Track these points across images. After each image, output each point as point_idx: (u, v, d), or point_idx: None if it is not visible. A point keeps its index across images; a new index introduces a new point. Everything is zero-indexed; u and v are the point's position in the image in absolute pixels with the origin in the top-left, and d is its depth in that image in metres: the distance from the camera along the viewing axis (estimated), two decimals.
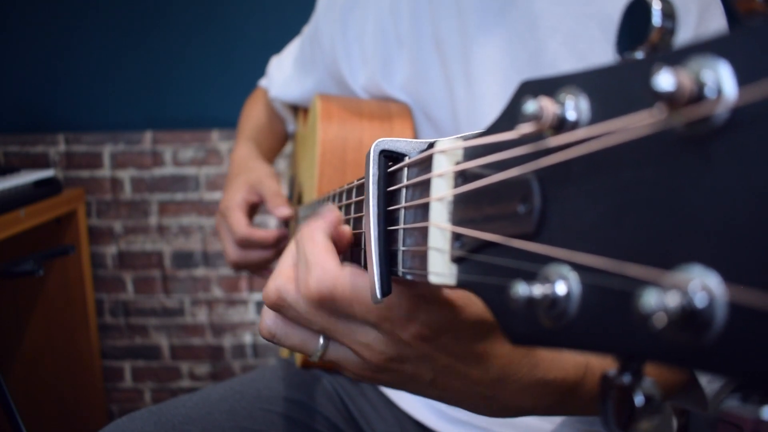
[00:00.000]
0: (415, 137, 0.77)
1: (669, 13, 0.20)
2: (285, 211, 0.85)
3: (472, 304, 0.36)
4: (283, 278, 0.38)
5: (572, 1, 0.61)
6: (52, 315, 1.86)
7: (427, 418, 0.74)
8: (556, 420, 0.69)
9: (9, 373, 1.87)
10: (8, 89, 2.01)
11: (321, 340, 0.40)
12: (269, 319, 0.41)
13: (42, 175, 1.67)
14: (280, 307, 0.39)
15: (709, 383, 0.55)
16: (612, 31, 0.58)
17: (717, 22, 0.58)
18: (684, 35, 0.58)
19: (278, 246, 0.88)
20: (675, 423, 0.74)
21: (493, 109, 0.66)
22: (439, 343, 0.36)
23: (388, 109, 0.78)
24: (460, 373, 0.39)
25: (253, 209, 0.93)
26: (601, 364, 0.45)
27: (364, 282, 0.35)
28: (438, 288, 0.35)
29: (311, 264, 0.36)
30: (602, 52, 0.59)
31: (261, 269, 0.94)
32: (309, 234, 0.38)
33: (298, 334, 0.40)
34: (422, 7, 0.73)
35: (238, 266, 0.90)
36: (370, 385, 0.81)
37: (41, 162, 2.01)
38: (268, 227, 1.59)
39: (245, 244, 0.86)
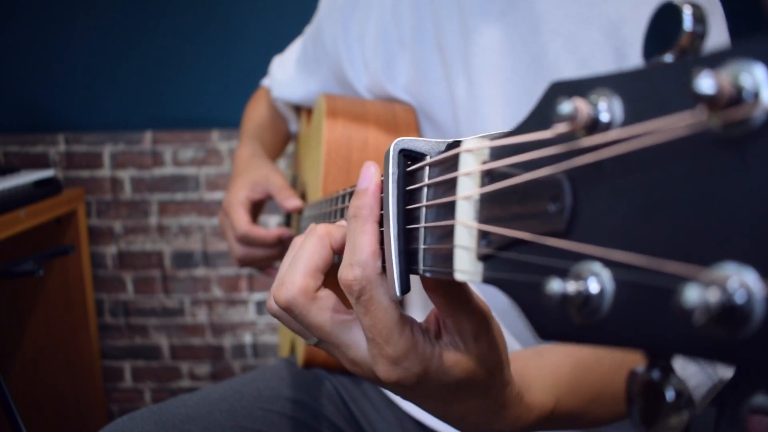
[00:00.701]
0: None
1: (700, 18, 0.20)
2: (295, 202, 0.85)
3: (462, 363, 0.37)
4: (295, 291, 0.39)
5: (574, 5, 0.61)
6: (52, 315, 1.86)
7: (428, 418, 0.74)
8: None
9: (9, 373, 1.87)
10: (8, 89, 2.00)
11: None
12: (273, 307, 0.42)
13: (42, 175, 1.67)
14: (287, 312, 0.40)
15: (696, 388, 0.56)
16: (613, 35, 0.58)
17: (718, 29, 0.59)
18: None
19: (280, 245, 0.89)
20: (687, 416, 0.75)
21: (493, 111, 0.66)
22: (414, 390, 0.38)
23: (393, 109, 0.79)
24: (439, 409, 0.41)
25: (258, 207, 0.93)
26: (571, 403, 0.48)
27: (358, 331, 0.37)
28: (432, 346, 0.36)
29: (354, 260, 0.37)
30: (603, 57, 0.59)
31: (266, 267, 0.94)
32: (361, 223, 0.38)
33: (297, 327, 0.42)
34: (424, 8, 0.73)
35: (243, 263, 0.90)
36: (371, 385, 0.81)
37: (41, 162, 2.00)
38: (269, 227, 1.59)
39: (246, 241, 0.86)
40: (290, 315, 0.40)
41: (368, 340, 0.38)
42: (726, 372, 0.60)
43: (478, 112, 0.67)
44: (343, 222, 0.43)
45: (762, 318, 0.16)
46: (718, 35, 0.58)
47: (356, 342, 0.39)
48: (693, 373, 0.57)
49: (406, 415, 0.77)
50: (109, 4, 1.96)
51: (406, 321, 0.37)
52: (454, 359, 0.37)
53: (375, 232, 0.37)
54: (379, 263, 0.36)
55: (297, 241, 0.43)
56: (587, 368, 0.51)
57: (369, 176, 0.38)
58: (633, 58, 0.57)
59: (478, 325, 0.37)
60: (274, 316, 0.43)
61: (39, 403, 1.88)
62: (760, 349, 0.17)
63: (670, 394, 0.21)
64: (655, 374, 0.22)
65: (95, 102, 2.00)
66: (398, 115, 0.78)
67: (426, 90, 0.74)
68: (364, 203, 0.37)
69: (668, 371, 0.22)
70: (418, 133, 0.77)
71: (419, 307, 0.73)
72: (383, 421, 0.78)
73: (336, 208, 0.57)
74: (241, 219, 0.86)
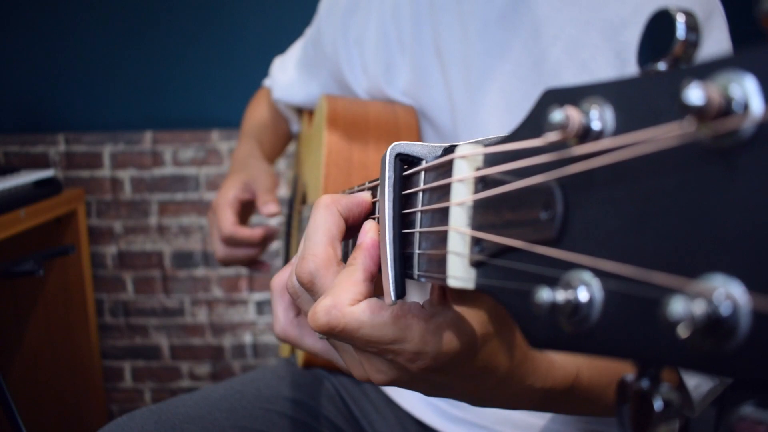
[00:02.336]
0: (421, 141, 0.77)
1: (693, 26, 0.20)
2: (271, 208, 0.86)
3: (470, 326, 0.37)
4: (318, 262, 0.38)
5: (574, 9, 0.60)
6: (52, 315, 1.86)
7: (428, 418, 0.74)
8: (557, 419, 0.69)
9: (9, 373, 1.87)
10: (8, 89, 2.01)
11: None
12: (292, 286, 0.42)
13: (42, 175, 1.67)
14: (309, 288, 0.39)
15: (696, 388, 0.56)
16: (614, 39, 0.58)
17: (719, 31, 0.58)
18: None
19: (265, 243, 0.89)
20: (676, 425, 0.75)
21: (493, 116, 0.66)
22: (441, 370, 0.37)
23: (394, 110, 0.79)
24: (458, 387, 0.40)
25: (248, 207, 0.93)
26: (590, 374, 0.48)
27: (372, 319, 0.34)
28: (442, 315, 0.35)
29: (330, 290, 0.36)
30: (604, 61, 0.59)
31: (251, 264, 0.94)
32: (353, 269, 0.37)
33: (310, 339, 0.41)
34: (423, 12, 0.73)
35: (226, 263, 0.91)
36: (371, 384, 0.81)
37: (41, 162, 2.01)
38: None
39: (231, 241, 0.86)
40: (312, 291, 0.39)
41: (377, 348, 0.36)
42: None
43: (477, 116, 0.67)
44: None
45: (748, 330, 0.16)
46: (719, 38, 0.58)
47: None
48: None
49: (406, 415, 0.77)
50: (109, 4, 1.96)
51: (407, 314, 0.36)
52: (475, 316, 0.37)
53: (359, 278, 0.36)
54: (353, 293, 0.35)
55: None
56: None
57: (364, 231, 0.38)
58: (634, 62, 0.57)
59: None
60: (294, 296, 0.42)
61: (39, 403, 1.89)
62: (747, 361, 0.17)
63: (658, 404, 0.21)
64: (645, 383, 0.22)
65: (95, 102, 2.00)
66: (399, 117, 0.78)
67: (425, 94, 0.74)
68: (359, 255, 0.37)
69: (658, 380, 0.22)
70: (419, 134, 0.77)
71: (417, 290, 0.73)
72: (383, 421, 0.78)
73: None
74: (227, 219, 0.86)
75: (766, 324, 0.16)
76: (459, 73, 0.69)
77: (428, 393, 0.41)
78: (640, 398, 0.22)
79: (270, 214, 0.86)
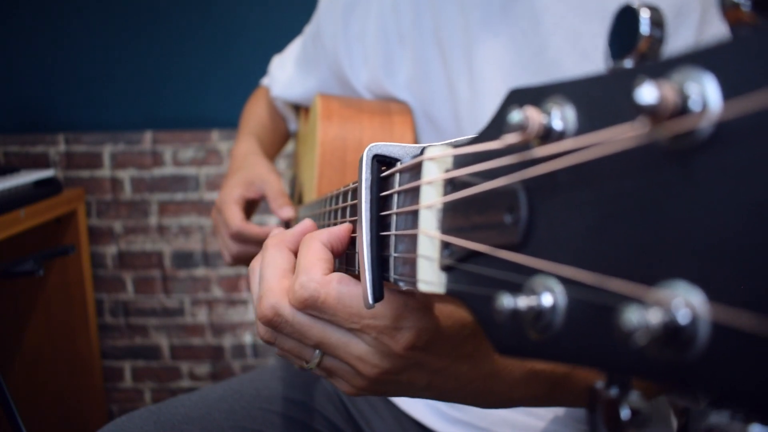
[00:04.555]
0: (416, 138, 0.76)
1: (658, 22, 0.19)
2: (289, 212, 0.85)
3: (457, 309, 0.36)
4: (276, 295, 0.38)
5: None
6: (52, 315, 1.86)
7: (426, 418, 0.74)
8: (556, 420, 0.69)
9: (9, 373, 1.87)
10: (8, 89, 2.01)
11: (317, 351, 0.40)
12: (264, 330, 0.41)
13: (42, 175, 1.67)
14: (276, 324, 0.39)
15: None
16: None
17: (719, 23, 0.58)
18: (686, 34, 0.57)
19: None
20: (675, 423, 0.74)
21: (494, 106, 0.65)
22: (429, 350, 0.37)
23: (389, 108, 0.78)
24: (454, 374, 0.40)
25: (252, 206, 0.93)
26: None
27: (349, 290, 0.35)
28: (425, 296, 0.35)
29: (299, 270, 0.37)
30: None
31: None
32: (308, 241, 0.39)
33: (294, 343, 0.40)
34: (424, 5, 0.73)
35: (235, 260, 0.90)
36: None
37: (41, 162, 2.01)
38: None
39: (239, 238, 0.86)
40: (281, 324, 0.38)
41: (357, 333, 0.37)
42: None
43: (480, 107, 0.67)
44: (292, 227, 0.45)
45: (707, 340, 0.16)
46: (717, 34, 0.57)
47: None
48: None
49: (404, 415, 0.76)
50: (109, 5, 1.96)
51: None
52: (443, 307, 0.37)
53: (318, 247, 0.38)
54: (323, 265, 0.37)
55: (255, 265, 0.43)
56: None
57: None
58: None
59: None
60: (268, 342, 0.42)
61: (39, 403, 1.89)
62: (708, 373, 0.16)
63: (625, 413, 0.20)
64: (613, 391, 0.21)
65: (95, 102, 2.00)
66: (394, 115, 0.77)
67: (426, 87, 0.74)
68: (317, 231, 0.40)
69: (627, 388, 0.22)
70: (414, 132, 0.76)
71: None
72: (382, 422, 0.77)
73: (330, 208, 0.56)
74: (234, 216, 0.85)
75: (727, 335, 0.16)
76: (460, 63, 0.69)
77: (428, 390, 0.41)
78: (609, 406, 0.21)
79: (287, 218, 0.85)
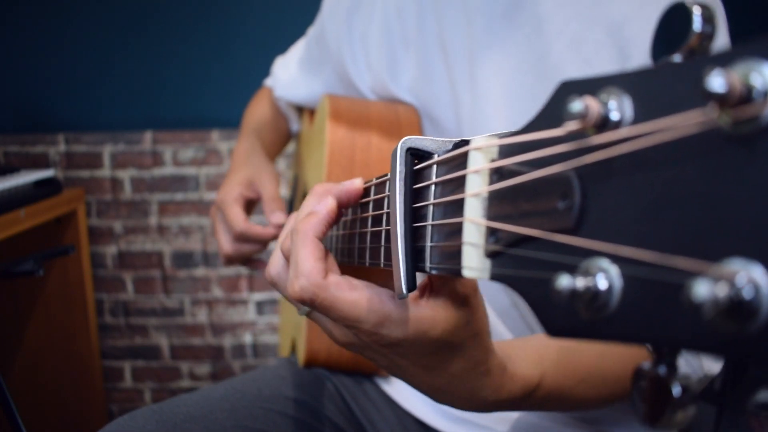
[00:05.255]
0: None
1: (709, 18, 0.21)
2: (279, 217, 0.86)
3: (436, 327, 0.38)
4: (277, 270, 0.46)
5: (578, 5, 0.61)
6: (52, 315, 1.85)
7: (429, 417, 0.75)
8: (558, 419, 0.70)
9: (9, 373, 1.87)
10: (8, 89, 2.00)
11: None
12: (274, 269, 0.47)
13: (42, 175, 1.67)
14: (275, 284, 0.47)
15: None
16: (617, 35, 0.59)
17: (721, 30, 0.59)
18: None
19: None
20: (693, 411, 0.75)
21: (496, 110, 0.66)
22: (396, 352, 0.40)
23: (396, 110, 0.79)
24: (418, 375, 0.42)
25: (251, 205, 0.93)
26: (555, 378, 0.49)
27: (344, 295, 0.38)
28: (405, 310, 0.38)
29: (298, 272, 0.39)
30: (607, 57, 0.59)
31: (250, 263, 0.94)
32: (302, 239, 0.41)
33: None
34: (428, 8, 0.74)
35: (231, 259, 0.90)
36: (372, 384, 0.81)
37: (41, 162, 2.00)
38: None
39: (242, 238, 0.86)
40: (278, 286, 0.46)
41: (346, 327, 0.40)
42: (712, 366, 0.60)
43: (481, 111, 0.67)
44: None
45: None
46: (719, 36, 0.59)
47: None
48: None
49: (407, 415, 0.77)
50: (109, 4, 1.96)
51: (373, 296, 0.38)
52: (441, 316, 0.38)
53: (315, 244, 0.40)
54: (320, 266, 0.39)
55: (285, 244, 0.45)
56: (574, 349, 0.52)
57: (325, 203, 0.42)
58: (636, 57, 0.58)
59: (470, 290, 0.39)
60: (272, 280, 0.47)
61: (39, 403, 1.88)
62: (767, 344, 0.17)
63: (676, 390, 0.21)
64: (662, 370, 0.22)
65: (95, 102, 2.00)
66: (401, 116, 0.78)
67: (429, 90, 0.75)
68: (310, 222, 0.41)
69: (675, 367, 0.23)
70: (421, 133, 0.78)
71: None
72: (384, 421, 0.78)
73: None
74: (237, 216, 0.86)
75: None
76: (463, 68, 0.70)
77: (389, 370, 0.44)
78: (657, 385, 0.22)
79: (276, 223, 0.86)
